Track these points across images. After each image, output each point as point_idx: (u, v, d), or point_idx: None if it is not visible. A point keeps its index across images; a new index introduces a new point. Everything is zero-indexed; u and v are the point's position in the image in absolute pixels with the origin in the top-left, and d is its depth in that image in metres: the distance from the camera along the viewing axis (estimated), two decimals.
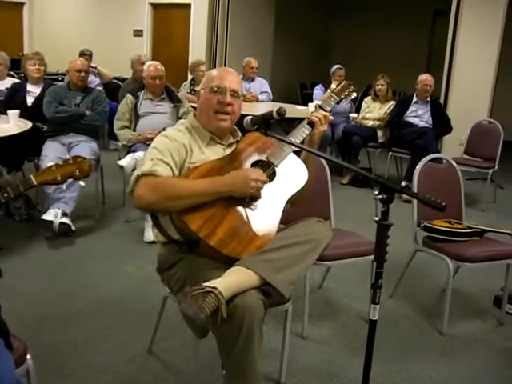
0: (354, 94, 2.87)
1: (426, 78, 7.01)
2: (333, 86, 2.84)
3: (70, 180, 1.99)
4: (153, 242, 4.34)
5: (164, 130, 4.66)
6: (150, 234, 4.46)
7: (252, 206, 2.39)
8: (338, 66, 7.89)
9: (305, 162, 2.65)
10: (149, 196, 2.30)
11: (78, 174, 1.99)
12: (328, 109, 2.72)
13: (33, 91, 5.56)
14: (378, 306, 1.80)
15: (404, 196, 5.84)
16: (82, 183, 2.22)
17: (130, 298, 3.62)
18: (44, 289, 3.68)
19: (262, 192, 2.41)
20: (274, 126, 2.48)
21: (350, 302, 3.79)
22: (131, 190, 2.37)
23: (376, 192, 1.75)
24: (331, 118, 2.70)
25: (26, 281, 3.78)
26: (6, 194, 1.95)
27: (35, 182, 1.94)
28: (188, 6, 10.64)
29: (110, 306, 3.51)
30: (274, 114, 2.38)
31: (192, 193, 2.29)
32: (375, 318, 1.81)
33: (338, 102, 2.81)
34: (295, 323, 3.10)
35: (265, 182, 2.38)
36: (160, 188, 2.30)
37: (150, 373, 2.83)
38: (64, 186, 2.02)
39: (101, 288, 3.75)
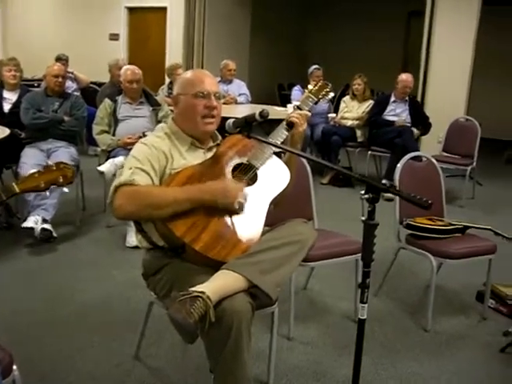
0: (332, 94, 2.89)
1: (406, 79, 7.04)
2: (310, 86, 2.85)
3: (53, 187, 1.97)
4: (135, 247, 4.35)
5: (144, 134, 4.66)
6: (132, 239, 4.44)
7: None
8: (316, 66, 7.91)
9: (287, 163, 2.66)
10: (127, 206, 2.27)
11: (61, 180, 1.96)
12: (306, 109, 2.73)
13: (9, 98, 5.50)
14: (366, 305, 1.80)
15: (386, 194, 5.85)
16: (65, 190, 2.18)
17: (115, 304, 3.59)
18: (27, 297, 3.64)
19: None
20: (255, 128, 2.48)
21: (334, 302, 3.79)
22: (110, 201, 2.34)
23: (362, 192, 1.76)
24: (309, 114, 2.71)
25: (8, 289, 3.73)
26: None
27: (18, 190, 1.91)
28: (164, 9, 10.60)
29: (94, 312, 3.49)
30: (257, 116, 2.38)
31: (170, 201, 2.26)
32: (364, 317, 1.81)
33: (315, 103, 2.82)
34: (281, 325, 3.10)
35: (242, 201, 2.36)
36: (138, 197, 2.28)
37: (137, 379, 2.81)
38: (48, 193, 1.99)
39: (85, 294, 3.72)
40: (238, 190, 2.36)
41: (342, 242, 3.43)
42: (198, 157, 2.54)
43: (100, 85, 8.15)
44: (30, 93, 5.36)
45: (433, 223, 3.61)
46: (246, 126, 2.40)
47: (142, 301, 2.87)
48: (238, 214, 2.36)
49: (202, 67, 9.93)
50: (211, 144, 2.64)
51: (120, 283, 3.91)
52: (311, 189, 3.65)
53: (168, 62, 9.49)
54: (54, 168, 1.98)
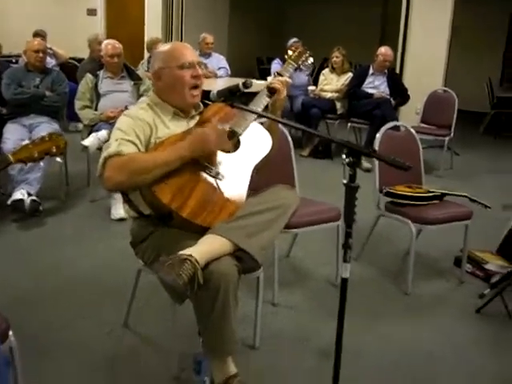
0: (311, 59, 2.96)
1: (385, 53, 7.08)
2: (290, 52, 2.93)
3: (46, 157, 2.02)
4: (120, 220, 4.42)
5: (126, 108, 4.68)
6: (117, 211, 4.51)
7: (220, 176, 2.45)
8: (295, 39, 7.93)
9: (268, 129, 2.73)
10: (117, 176, 2.32)
11: (54, 150, 2.02)
12: (287, 75, 2.80)
13: None
14: (349, 265, 1.88)
15: (364, 165, 5.97)
16: (58, 159, 2.21)
17: (102, 275, 3.65)
18: (15, 271, 3.67)
19: (229, 161, 2.48)
20: (236, 98, 2.54)
21: (317, 269, 3.90)
22: (100, 174, 2.39)
23: (344, 156, 1.83)
24: (290, 80, 2.78)
25: None
26: None
27: (12, 160, 1.97)
28: None
29: (83, 284, 3.55)
30: (241, 86, 2.44)
31: (157, 163, 2.32)
32: (347, 276, 1.89)
33: (296, 69, 2.90)
34: (265, 291, 3.14)
35: (224, 132, 2.46)
36: (126, 165, 2.33)
37: (128, 346, 2.90)
38: (42, 163, 2.04)
39: (73, 267, 3.77)
40: (215, 131, 2.44)
41: (323, 209, 3.52)
42: (181, 125, 2.59)
43: (79, 60, 8.12)
44: (11, 68, 5.36)
45: (412, 190, 3.71)
46: (230, 95, 2.45)
47: (129, 271, 2.92)
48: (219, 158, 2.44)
49: (181, 41, 9.92)
50: (193, 113, 2.69)
51: (106, 255, 3.97)
52: (293, 158, 3.71)
53: (147, 37, 9.45)
54: (47, 139, 2.03)
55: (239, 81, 2.50)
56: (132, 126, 2.47)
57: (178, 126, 2.58)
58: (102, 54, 5.17)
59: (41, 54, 5.11)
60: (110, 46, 5.12)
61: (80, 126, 5.80)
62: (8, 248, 4.06)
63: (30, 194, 4.45)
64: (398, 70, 8.69)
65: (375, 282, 3.76)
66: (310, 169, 6.43)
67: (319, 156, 7.21)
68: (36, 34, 7.98)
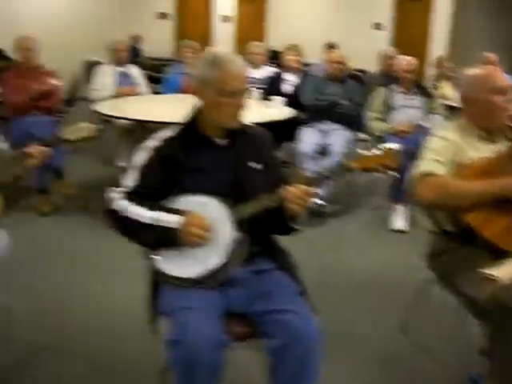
0: None
1: None
2: None
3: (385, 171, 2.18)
4: (398, 231, 4.58)
5: (421, 126, 4.83)
6: (396, 222, 4.66)
7: None
8: None
9: None
10: (429, 195, 2.49)
11: (392, 164, 2.18)
12: None
13: (290, 80, 5.95)
14: None
15: None
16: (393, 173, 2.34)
17: (382, 280, 3.84)
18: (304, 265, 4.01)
19: None
20: None
21: None
22: (411, 189, 2.57)
23: None
24: None
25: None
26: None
27: (356, 167, 2.15)
28: None
29: (363, 286, 3.77)
30: None
31: (471, 194, 2.42)
32: None
33: None
34: None
35: None
36: (440, 188, 2.47)
37: (405, 351, 3.05)
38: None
39: (353, 268, 4.03)
40: None
41: None
42: (489, 149, 2.63)
43: (362, 72, 8.41)
44: (312, 76, 5.77)
45: None
46: None
47: (408, 280, 3.05)
48: None
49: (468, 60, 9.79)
50: (500, 136, 2.71)
51: (385, 262, 4.13)
52: None
53: (430, 53, 9.49)
54: (386, 153, 2.18)
55: None
56: (442, 147, 2.61)
57: (486, 149, 2.63)
58: (397, 69, 5.36)
59: (340, 65, 5.44)
60: (405, 61, 5.28)
61: (359, 135, 5.97)
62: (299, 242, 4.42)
63: (319, 197, 4.81)
64: None
65: None
66: None
67: None
68: (330, 46, 8.44)
